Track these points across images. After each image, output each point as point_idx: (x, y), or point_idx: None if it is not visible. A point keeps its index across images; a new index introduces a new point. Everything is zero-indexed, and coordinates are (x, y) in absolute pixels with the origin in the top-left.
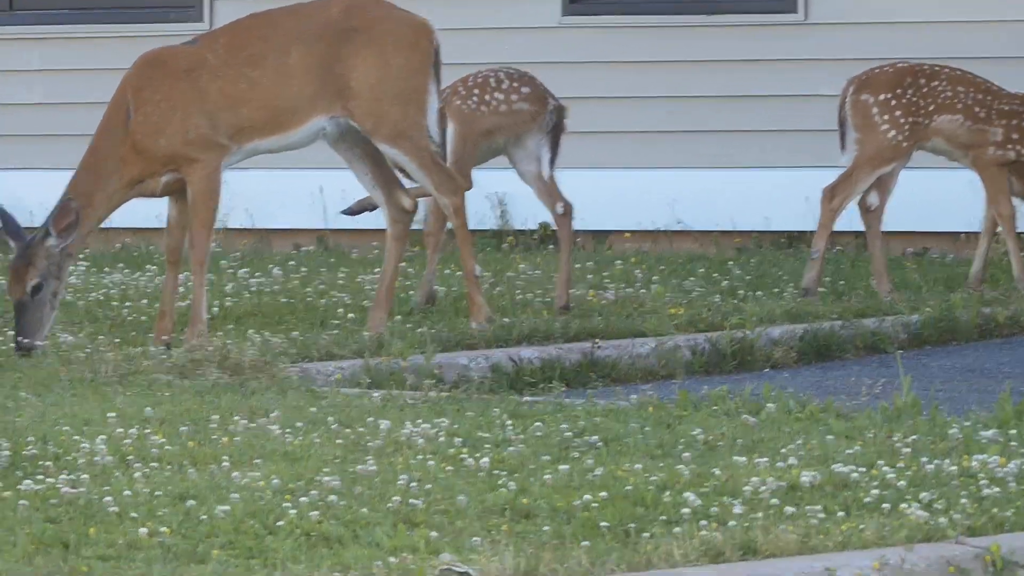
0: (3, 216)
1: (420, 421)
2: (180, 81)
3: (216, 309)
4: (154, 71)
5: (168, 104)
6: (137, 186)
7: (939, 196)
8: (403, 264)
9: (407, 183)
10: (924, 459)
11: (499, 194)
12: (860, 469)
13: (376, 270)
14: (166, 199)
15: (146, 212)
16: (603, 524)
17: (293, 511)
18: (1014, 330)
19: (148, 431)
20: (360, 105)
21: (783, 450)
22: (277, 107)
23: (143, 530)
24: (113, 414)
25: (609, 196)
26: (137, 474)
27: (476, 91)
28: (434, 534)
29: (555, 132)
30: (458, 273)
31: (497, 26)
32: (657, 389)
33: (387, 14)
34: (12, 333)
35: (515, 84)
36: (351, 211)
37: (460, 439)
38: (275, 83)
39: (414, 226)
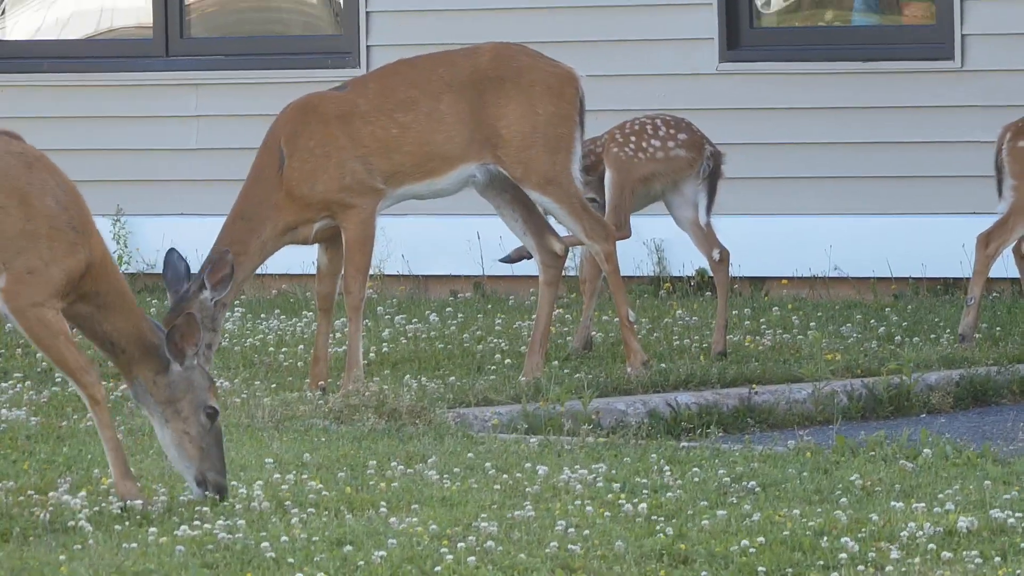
0: (169, 263)
1: (577, 467)
2: (333, 127)
3: (373, 355)
4: (307, 117)
5: (323, 151)
6: (290, 233)
7: None
8: (560, 310)
9: (561, 231)
10: None
11: (656, 240)
12: (1017, 514)
13: (532, 316)
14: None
15: (302, 258)
16: (760, 569)
17: (450, 556)
18: None
19: (305, 476)
20: (509, 153)
21: (940, 495)
22: (428, 153)
23: (300, 575)
24: (270, 459)
25: (766, 242)
26: (294, 519)
27: (633, 138)
28: None
29: (712, 178)
30: (615, 319)
31: (654, 73)
32: (814, 434)
33: (534, 63)
34: None
35: (672, 131)
36: (509, 259)
37: (618, 484)
38: (426, 129)
39: (572, 272)
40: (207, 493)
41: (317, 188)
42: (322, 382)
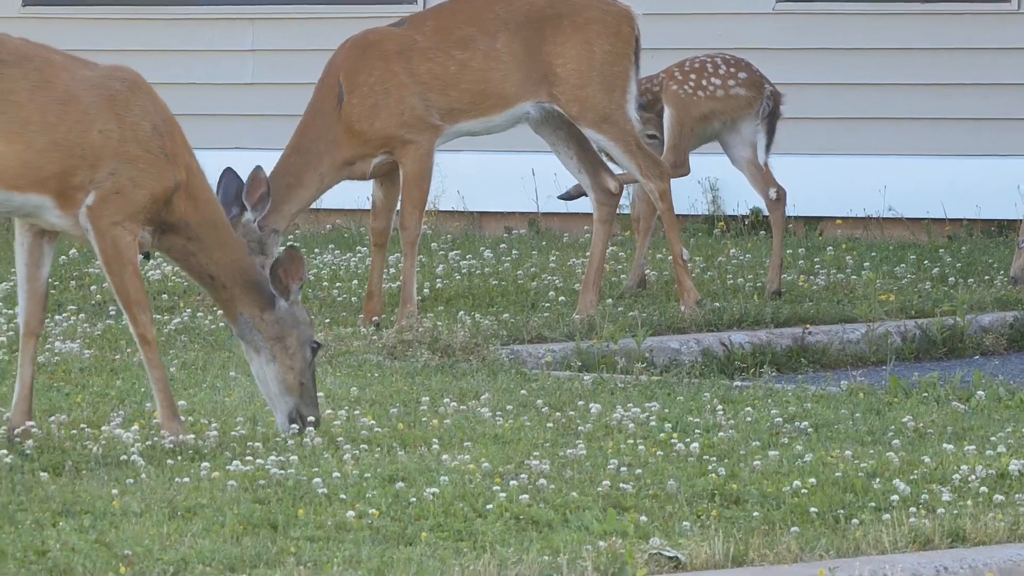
0: (222, 183)
1: (630, 405)
2: (393, 63)
3: (427, 291)
4: (366, 53)
5: (383, 87)
6: (347, 168)
7: None
8: (614, 248)
9: (615, 168)
10: None
11: (711, 179)
12: None
13: (586, 254)
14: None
15: (357, 193)
16: (812, 510)
17: (503, 494)
18: None
19: (357, 412)
20: (565, 91)
21: (992, 438)
22: (484, 90)
23: (352, 512)
24: (322, 395)
25: (821, 182)
26: (346, 456)
27: (693, 76)
28: (643, 518)
29: (771, 118)
30: (669, 257)
31: (712, 11)
32: (867, 375)
33: (591, 1)
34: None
35: (732, 69)
36: (568, 196)
37: (670, 424)
38: (483, 66)
39: (625, 210)
40: (294, 427)
41: (376, 124)
42: (376, 317)
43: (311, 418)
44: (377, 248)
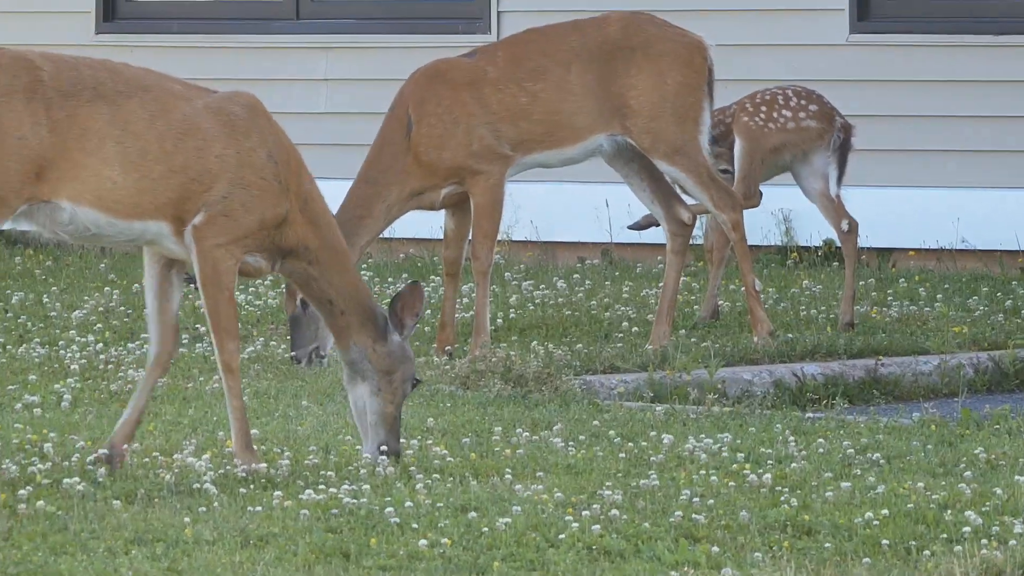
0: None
1: (703, 436)
2: (462, 93)
3: (500, 320)
4: (435, 83)
5: (451, 117)
6: (416, 198)
7: None
8: (687, 279)
9: (688, 199)
10: None
11: (784, 210)
12: None
13: (659, 284)
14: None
15: (430, 223)
16: (884, 542)
17: (575, 524)
18: None
19: (430, 442)
20: (638, 123)
21: None
22: (556, 122)
23: (424, 541)
24: None
25: (893, 214)
26: (419, 485)
27: (764, 108)
28: (715, 549)
29: (842, 150)
30: (742, 288)
31: (784, 43)
32: (939, 407)
33: (663, 32)
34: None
35: (803, 101)
36: (638, 226)
37: (742, 454)
38: (555, 98)
39: (698, 241)
40: (382, 458)
41: (445, 154)
42: (449, 347)
43: (394, 449)
44: (449, 278)
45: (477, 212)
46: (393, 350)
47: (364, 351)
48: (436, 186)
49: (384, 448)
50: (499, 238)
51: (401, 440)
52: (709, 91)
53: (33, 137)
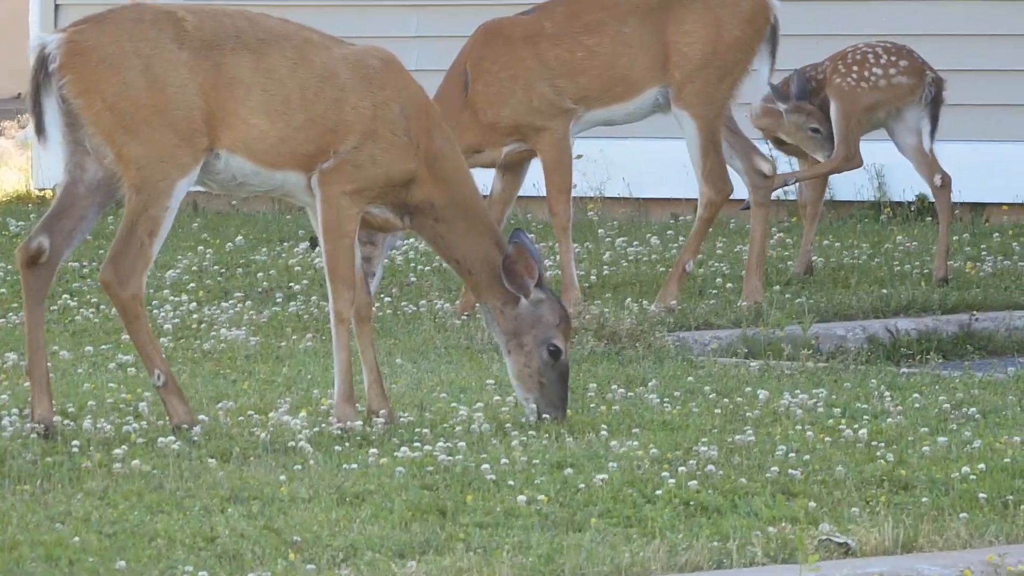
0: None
1: (798, 391)
2: (518, 49)
3: (593, 277)
4: (491, 40)
5: (508, 73)
6: (475, 156)
7: None
8: (781, 235)
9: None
10: None
11: (876, 165)
12: None
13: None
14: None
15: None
16: (981, 496)
17: (671, 480)
18: None
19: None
20: (682, 69)
21: None
22: (612, 76)
23: (521, 498)
24: (491, 381)
25: (987, 168)
26: (514, 442)
27: (855, 67)
28: (812, 504)
29: (934, 105)
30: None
31: None
32: None
33: None
34: (388, 300)
35: (892, 58)
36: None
37: (838, 410)
38: (610, 52)
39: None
40: (544, 418)
41: (504, 111)
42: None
43: (541, 410)
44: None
45: (547, 169)
46: (520, 313)
47: (492, 312)
48: (497, 143)
49: (538, 411)
50: (592, 195)
51: (495, 397)
52: (772, 49)
53: (191, 85)
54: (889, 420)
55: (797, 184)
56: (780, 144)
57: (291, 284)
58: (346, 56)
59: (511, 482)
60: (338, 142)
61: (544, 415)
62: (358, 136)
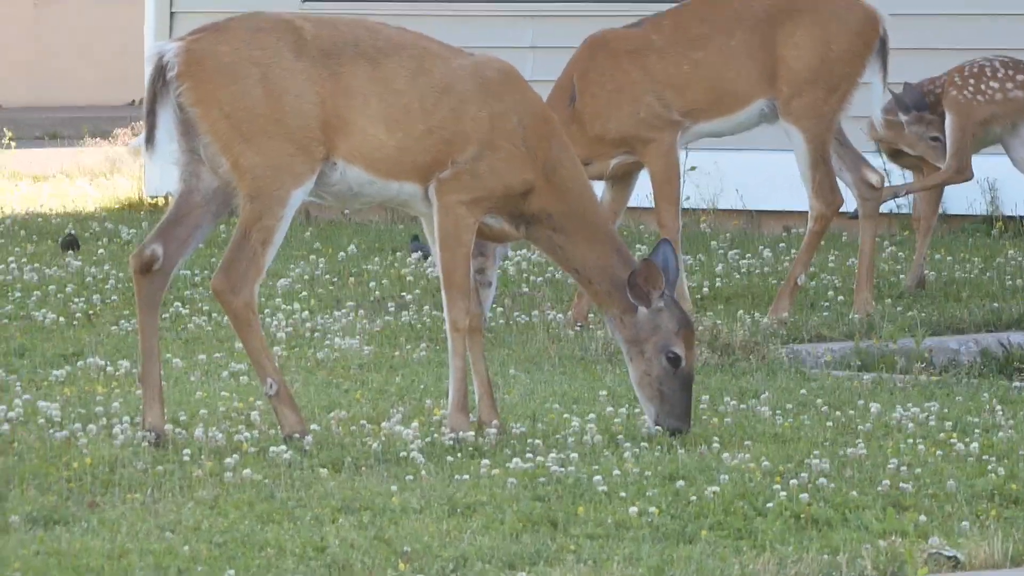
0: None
1: (910, 405)
2: (624, 62)
3: (706, 289)
4: (598, 54)
5: (614, 86)
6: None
7: None
8: (893, 248)
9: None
10: None
11: (989, 179)
12: None
13: None
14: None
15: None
16: None
17: (783, 493)
18: None
19: (637, 410)
20: (790, 82)
21: None
22: (719, 88)
23: (633, 509)
24: (603, 392)
25: None
26: (627, 453)
27: (972, 81)
28: (923, 518)
29: None
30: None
31: (987, 12)
32: None
33: None
34: (501, 310)
35: (1010, 71)
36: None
37: (950, 423)
38: (717, 64)
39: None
40: (660, 429)
41: (611, 124)
42: (579, 322)
43: (675, 429)
44: None
45: (655, 180)
46: (639, 321)
47: (612, 320)
48: (604, 156)
49: (660, 422)
50: (704, 207)
51: (608, 408)
52: (883, 63)
53: (308, 94)
54: (1000, 434)
55: (911, 197)
56: (897, 156)
57: (403, 293)
58: (464, 66)
59: (623, 494)
60: (456, 152)
61: (658, 426)
62: (476, 146)
